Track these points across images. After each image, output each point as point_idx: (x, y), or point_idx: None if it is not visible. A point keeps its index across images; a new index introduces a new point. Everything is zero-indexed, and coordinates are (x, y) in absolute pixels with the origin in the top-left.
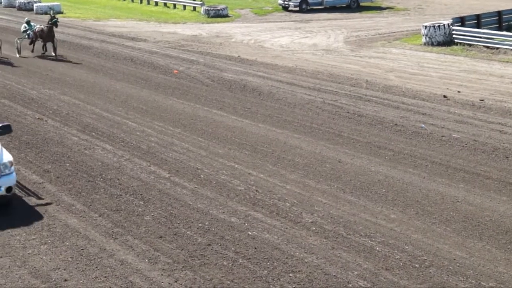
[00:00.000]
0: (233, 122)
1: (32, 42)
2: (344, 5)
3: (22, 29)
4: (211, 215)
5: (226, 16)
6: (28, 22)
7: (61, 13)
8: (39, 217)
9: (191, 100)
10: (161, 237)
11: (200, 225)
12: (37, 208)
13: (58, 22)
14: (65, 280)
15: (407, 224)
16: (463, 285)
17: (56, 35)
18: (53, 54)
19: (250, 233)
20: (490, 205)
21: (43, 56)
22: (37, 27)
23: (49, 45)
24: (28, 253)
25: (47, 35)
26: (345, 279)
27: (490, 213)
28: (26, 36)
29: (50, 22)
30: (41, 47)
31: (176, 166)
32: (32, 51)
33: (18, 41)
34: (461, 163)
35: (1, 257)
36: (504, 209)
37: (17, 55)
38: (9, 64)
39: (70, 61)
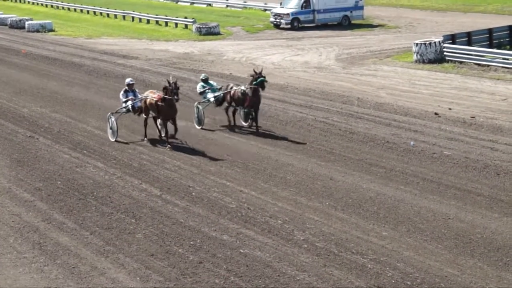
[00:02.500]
0: (225, 140)
1: (227, 108)
2: (336, 23)
3: (199, 89)
4: (202, 233)
5: (218, 34)
6: (205, 80)
7: (53, 30)
8: (30, 235)
9: (182, 118)
10: (152, 255)
11: (191, 243)
12: (28, 226)
13: (267, 82)
14: None
15: (399, 241)
16: None
17: (49, 54)
18: (246, 123)
19: (242, 250)
20: (481, 222)
21: (229, 126)
22: (232, 86)
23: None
24: (19, 272)
25: (249, 100)
26: None
27: (481, 230)
28: (210, 100)
29: (254, 82)
30: (231, 114)
31: (167, 184)
32: (233, 122)
33: (199, 107)
34: (453, 180)
35: None
36: (495, 226)
37: (197, 127)
38: (183, 147)
39: (273, 135)
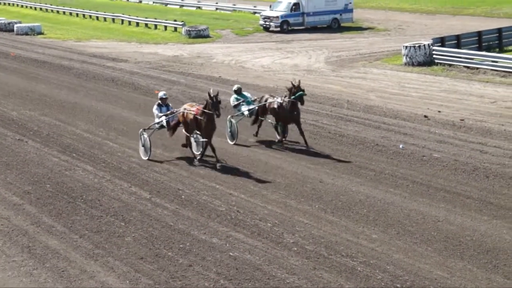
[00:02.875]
0: (214, 143)
1: (256, 121)
2: (325, 26)
3: (233, 102)
4: (192, 236)
5: (207, 36)
6: (238, 91)
7: (42, 33)
8: (19, 238)
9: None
10: (142, 258)
11: (181, 246)
12: (17, 230)
13: (305, 95)
14: None
15: (389, 244)
16: None
17: (38, 57)
18: (281, 137)
19: (231, 253)
20: (471, 225)
21: (257, 139)
22: (267, 99)
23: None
24: (8, 275)
25: (287, 114)
26: None
27: (471, 233)
28: (244, 114)
29: (293, 96)
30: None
31: (157, 187)
32: (256, 134)
33: (232, 121)
34: (442, 183)
35: None
36: (484, 229)
37: (230, 142)
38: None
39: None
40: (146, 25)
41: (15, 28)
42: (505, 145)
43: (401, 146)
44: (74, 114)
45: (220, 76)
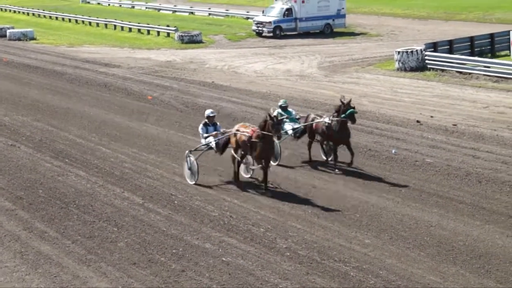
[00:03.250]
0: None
1: (310, 143)
2: (318, 31)
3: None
4: (185, 241)
5: (200, 42)
6: (284, 107)
7: (34, 39)
8: (11, 244)
9: (165, 126)
10: (134, 263)
11: (174, 251)
12: (10, 235)
13: (356, 112)
14: None
15: (381, 249)
16: None
17: (31, 62)
18: (328, 158)
19: (224, 259)
20: (463, 230)
21: (309, 161)
22: (314, 118)
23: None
24: (0, 281)
25: (336, 135)
26: None
27: (463, 238)
28: (288, 133)
29: (343, 115)
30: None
31: (150, 192)
32: (310, 159)
33: (274, 140)
34: (435, 188)
35: None
36: (477, 234)
37: (272, 163)
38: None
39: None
40: (139, 30)
41: (7, 34)
42: (497, 150)
43: (393, 151)
44: (66, 120)
45: (213, 82)
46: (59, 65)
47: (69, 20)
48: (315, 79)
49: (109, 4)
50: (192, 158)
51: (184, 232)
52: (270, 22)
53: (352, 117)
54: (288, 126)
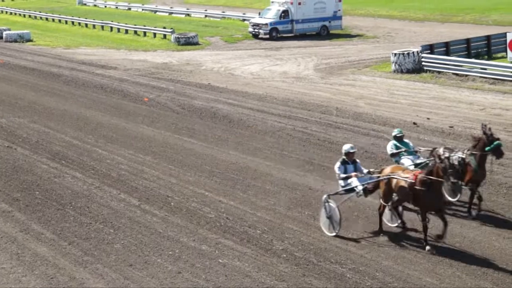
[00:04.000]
0: (204, 150)
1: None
2: (314, 33)
3: (390, 150)
4: (181, 243)
5: (197, 43)
6: (400, 137)
7: (31, 40)
8: (8, 245)
9: (161, 128)
10: (131, 265)
11: (170, 253)
12: (6, 237)
13: (502, 146)
14: None
15: (378, 250)
16: None
17: (27, 64)
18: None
19: (220, 260)
20: (460, 232)
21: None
22: (442, 153)
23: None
24: None
25: (475, 173)
26: None
27: (460, 240)
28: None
29: (487, 148)
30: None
31: (146, 194)
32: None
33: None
34: None
35: None
36: (474, 235)
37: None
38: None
39: None
40: (135, 32)
41: (4, 35)
42: None
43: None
44: (63, 121)
45: (209, 83)
46: (56, 67)
47: (66, 22)
48: (311, 81)
49: (105, 6)
50: (333, 205)
51: (180, 233)
52: (266, 24)
53: (498, 151)
54: (407, 161)
